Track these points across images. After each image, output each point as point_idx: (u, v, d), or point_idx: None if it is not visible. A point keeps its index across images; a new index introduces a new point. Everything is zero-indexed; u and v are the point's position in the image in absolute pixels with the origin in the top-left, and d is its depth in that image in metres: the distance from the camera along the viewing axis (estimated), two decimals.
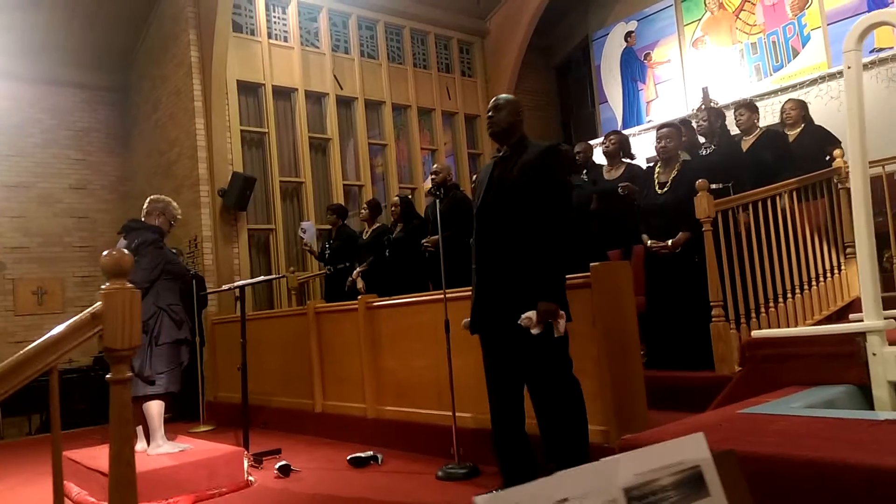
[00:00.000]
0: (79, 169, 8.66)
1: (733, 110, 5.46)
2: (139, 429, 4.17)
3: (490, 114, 3.18)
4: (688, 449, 0.95)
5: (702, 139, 5.34)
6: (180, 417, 6.45)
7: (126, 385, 1.51)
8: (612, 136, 5.52)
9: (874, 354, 1.89)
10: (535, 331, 2.76)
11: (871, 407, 1.93)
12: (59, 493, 1.45)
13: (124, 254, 1.54)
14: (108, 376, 1.52)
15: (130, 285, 1.54)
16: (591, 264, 3.38)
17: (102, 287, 1.53)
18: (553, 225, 2.87)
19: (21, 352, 1.49)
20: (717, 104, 8.33)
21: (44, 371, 1.44)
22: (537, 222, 2.87)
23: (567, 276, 3.39)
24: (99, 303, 1.50)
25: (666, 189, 4.38)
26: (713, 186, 4.25)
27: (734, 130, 5.45)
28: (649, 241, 4.39)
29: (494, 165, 3.15)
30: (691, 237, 4.18)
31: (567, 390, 2.87)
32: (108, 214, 8.71)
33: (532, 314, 2.76)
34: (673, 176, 4.38)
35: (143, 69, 8.67)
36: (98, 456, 3.95)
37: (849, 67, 1.93)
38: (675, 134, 4.49)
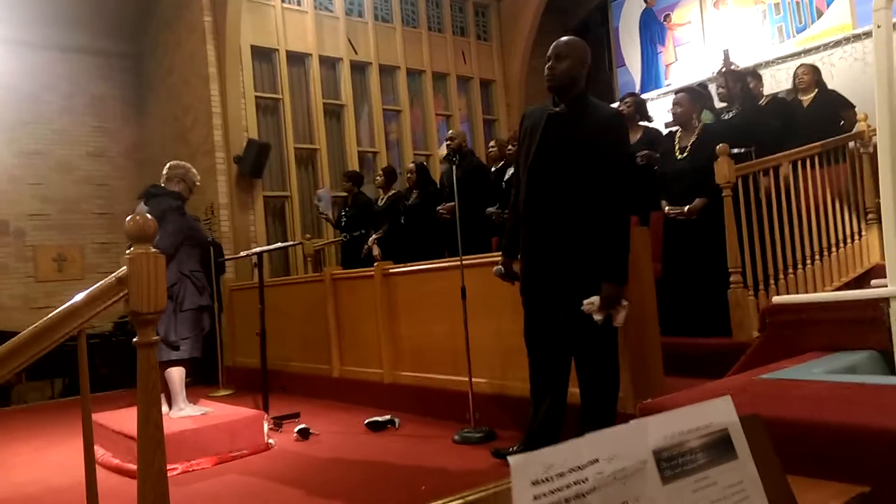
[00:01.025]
0: (96, 136, 8.69)
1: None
2: (162, 393, 4.25)
3: (549, 63, 2.80)
4: (715, 412, 0.95)
5: (722, 104, 5.26)
6: (200, 382, 6.55)
7: (152, 348, 1.54)
8: (627, 99, 5.44)
9: None
10: (598, 317, 2.63)
11: (892, 372, 1.92)
12: (90, 455, 1.48)
13: (148, 219, 1.55)
14: (134, 340, 1.54)
15: (155, 250, 1.55)
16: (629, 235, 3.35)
17: (127, 252, 1.54)
18: (621, 201, 2.70)
19: (48, 316, 1.52)
20: (737, 67, 8.20)
21: (72, 335, 1.46)
22: (604, 197, 2.67)
23: None
24: (124, 267, 1.51)
25: (685, 154, 4.33)
26: (734, 151, 4.20)
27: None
28: (667, 208, 4.36)
29: (549, 120, 2.82)
30: (708, 203, 4.13)
31: (612, 371, 2.85)
32: (125, 181, 8.76)
33: (595, 299, 2.62)
34: (693, 141, 4.32)
35: (156, 35, 8.62)
36: (122, 419, 4.04)
37: (878, 27, 1.87)
38: (686, 99, 4.41)
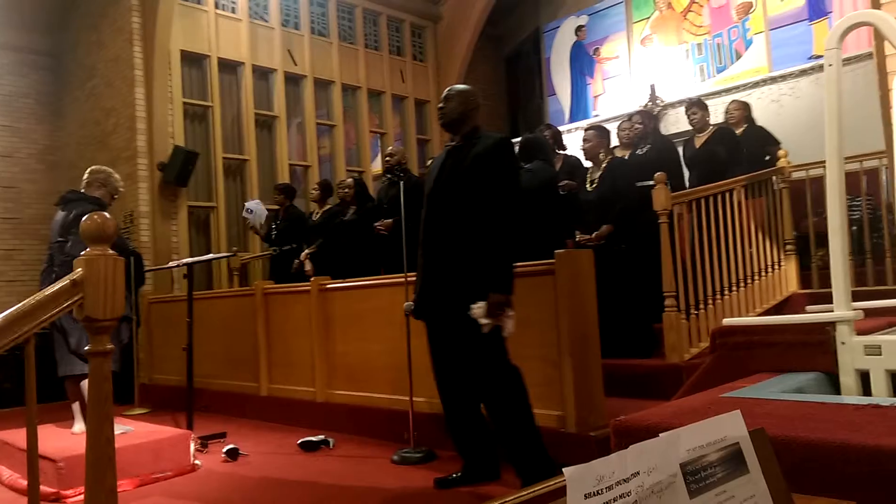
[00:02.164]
0: (5, 136, 8.12)
1: (685, 108, 5.63)
2: (75, 407, 3.98)
3: (441, 105, 3.20)
4: (727, 426, 0.95)
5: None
6: (114, 399, 6.17)
7: (107, 358, 1.42)
8: (544, 130, 5.63)
9: (843, 343, 1.98)
10: (484, 321, 2.77)
11: (837, 393, 2.02)
12: (34, 472, 1.35)
13: (106, 218, 1.44)
14: (86, 348, 1.42)
15: (112, 252, 1.44)
16: (556, 251, 3.41)
17: (83, 253, 1.42)
18: (504, 216, 2.90)
19: None
20: (662, 102, 8.59)
21: (20, 341, 1.33)
22: (488, 213, 2.89)
23: (528, 263, 3.44)
24: (80, 269, 1.39)
25: (594, 186, 4.65)
26: (640, 184, 4.59)
27: (673, 129, 5.68)
28: (578, 236, 4.59)
29: (448, 154, 3.16)
30: (613, 230, 4.42)
31: (506, 377, 2.92)
32: (35, 185, 8.22)
33: (483, 304, 2.78)
34: (599, 174, 4.65)
35: (79, 33, 8.19)
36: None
37: (830, 65, 1.99)
38: (594, 135, 4.78)
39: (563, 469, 0.66)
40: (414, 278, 3.87)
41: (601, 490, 0.69)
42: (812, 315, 2.09)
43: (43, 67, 8.45)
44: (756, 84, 7.66)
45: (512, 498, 0.73)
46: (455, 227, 2.96)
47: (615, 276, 4.32)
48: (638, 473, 0.75)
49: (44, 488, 3.30)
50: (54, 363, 3.96)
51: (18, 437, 3.82)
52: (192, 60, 7.68)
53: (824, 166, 5.00)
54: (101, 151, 7.60)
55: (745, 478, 0.93)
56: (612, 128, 5.62)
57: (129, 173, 7.12)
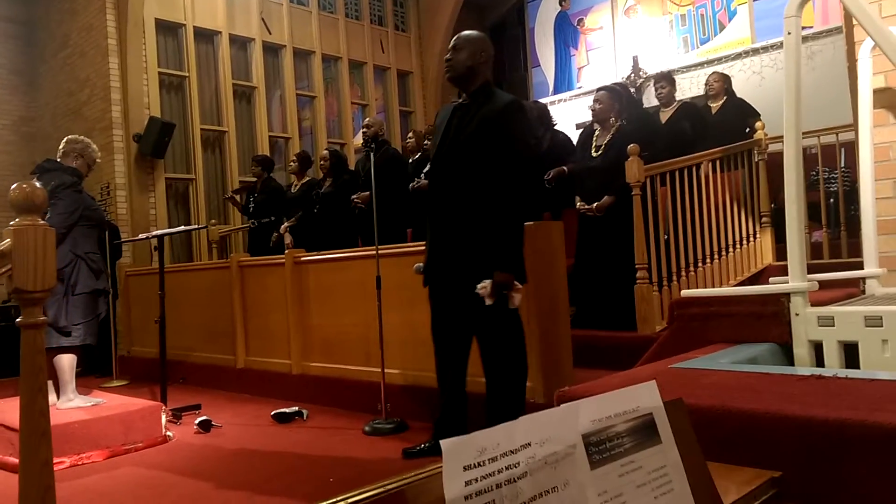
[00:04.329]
0: None
1: (653, 82, 5.58)
2: (49, 382, 3.95)
3: (448, 55, 2.88)
4: (641, 397, 0.95)
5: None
6: (92, 372, 6.16)
7: (39, 330, 1.39)
8: (531, 105, 5.53)
9: (797, 314, 1.98)
10: (488, 301, 2.66)
11: (791, 364, 2.03)
12: None
13: (36, 187, 1.40)
14: (17, 320, 1.39)
15: (43, 222, 1.41)
16: (525, 223, 3.38)
17: (11, 223, 1.39)
18: (512, 189, 2.71)
19: None
20: (645, 73, 8.53)
21: None
22: (495, 183, 2.71)
23: None
24: (8, 240, 1.36)
25: (600, 152, 4.43)
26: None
27: (655, 101, 5.59)
28: (578, 204, 4.46)
29: (454, 112, 2.92)
30: (615, 201, 4.25)
31: (518, 356, 2.86)
32: (9, 156, 8.09)
33: (488, 283, 2.65)
34: (608, 139, 4.42)
35: (51, 1, 8.00)
36: (3, 409, 3.72)
37: (789, 33, 1.96)
38: (606, 97, 4.48)
39: (440, 441, 0.65)
40: (385, 251, 3.88)
41: (483, 461, 0.68)
42: (766, 287, 2.09)
43: (15, 36, 8.26)
44: (738, 56, 7.61)
45: (412, 476, 0.72)
46: (460, 196, 2.77)
47: (604, 248, 4.28)
48: (529, 445, 0.74)
49: (10, 459, 3.29)
50: None
51: None
52: (168, 29, 7.54)
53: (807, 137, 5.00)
54: (75, 122, 7.47)
55: (656, 448, 0.93)
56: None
57: (105, 144, 7.01)
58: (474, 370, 3.00)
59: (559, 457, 0.78)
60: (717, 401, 1.36)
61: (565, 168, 4.85)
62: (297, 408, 4.20)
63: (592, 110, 4.53)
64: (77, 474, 3.27)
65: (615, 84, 5.21)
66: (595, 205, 4.31)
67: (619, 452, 0.88)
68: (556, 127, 5.44)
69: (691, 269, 4.37)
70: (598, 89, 4.63)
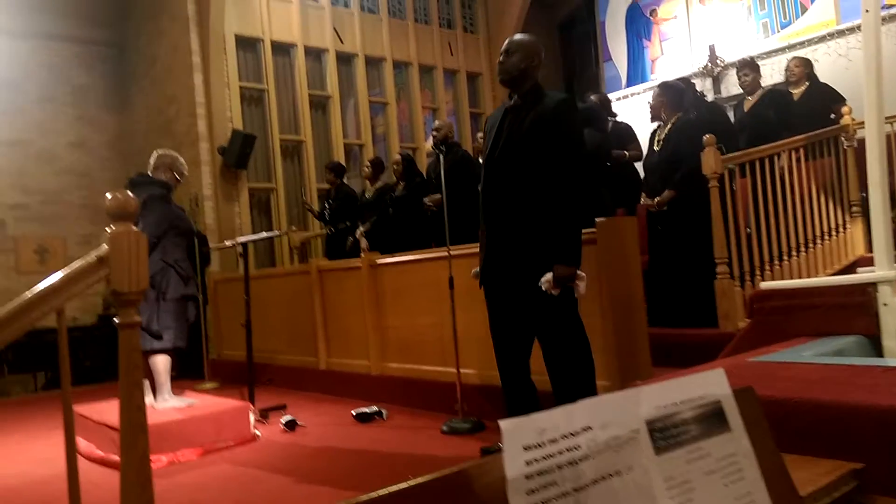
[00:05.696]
0: (77, 126, 8.56)
1: (736, 70, 5.40)
2: (146, 382, 4.20)
3: (501, 58, 2.94)
4: (708, 384, 0.94)
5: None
6: (185, 375, 6.49)
7: (134, 329, 1.50)
8: (591, 96, 5.49)
9: (885, 304, 1.89)
10: (554, 292, 2.67)
11: (880, 356, 1.93)
12: (70, 435, 1.45)
13: (128, 196, 1.51)
14: (115, 320, 1.51)
15: (136, 229, 1.52)
16: (597, 220, 3.35)
17: (108, 229, 1.50)
18: (568, 184, 2.73)
19: (27, 293, 1.48)
20: (723, 62, 8.24)
21: (50, 313, 1.43)
22: (551, 180, 2.74)
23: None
24: (104, 246, 1.48)
25: (660, 146, 4.42)
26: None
27: (735, 90, 5.42)
28: (643, 199, 4.44)
29: (505, 114, 2.97)
30: (676, 195, 4.18)
31: (580, 348, 2.84)
32: (107, 172, 8.64)
33: (549, 276, 2.67)
34: (664, 134, 4.40)
35: (140, 24, 8.50)
36: (105, 410, 3.98)
37: (867, 11, 1.87)
38: (657, 93, 4.55)
39: (499, 421, 0.67)
40: (457, 252, 3.92)
41: (543, 442, 0.69)
42: (850, 276, 1.99)
43: (108, 58, 8.82)
44: (823, 38, 7.24)
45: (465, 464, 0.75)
46: (515, 194, 2.81)
47: (681, 243, 4.20)
48: (590, 428, 0.75)
49: (111, 456, 3.52)
50: None
51: (93, 410, 4.08)
52: (247, 44, 7.86)
53: (891, 123, 4.72)
54: (165, 138, 7.90)
55: (726, 436, 0.92)
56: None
57: (192, 158, 7.37)
58: (541, 368, 2.98)
59: (622, 441, 0.78)
60: (796, 392, 1.32)
61: (626, 152, 4.84)
62: (376, 407, 4.30)
63: (649, 106, 4.53)
64: (175, 471, 3.46)
65: (675, 80, 5.11)
66: (656, 199, 4.27)
67: (686, 439, 0.88)
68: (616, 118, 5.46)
69: (776, 262, 4.21)
70: (657, 86, 4.62)
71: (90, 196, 8.50)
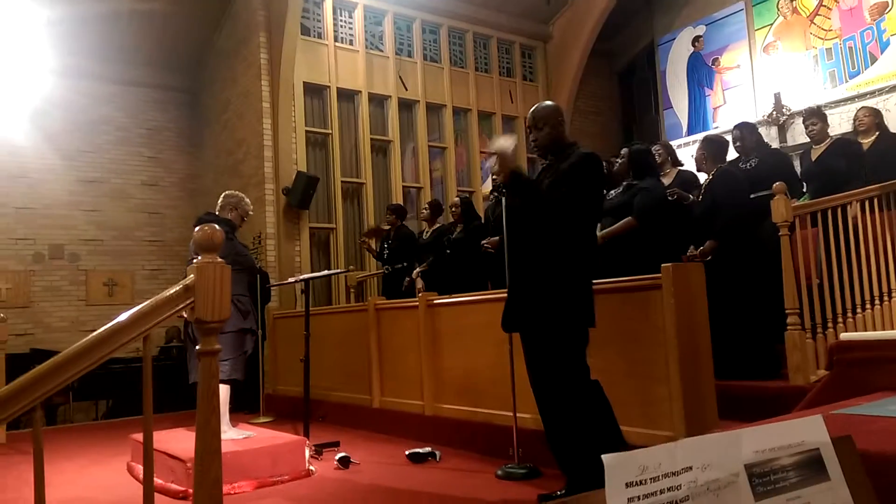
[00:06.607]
0: (150, 166, 8.99)
1: (803, 119, 5.32)
2: None
3: (532, 136, 3.19)
4: (807, 431, 0.91)
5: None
6: (241, 408, 6.57)
7: (215, 356, 1.55)
8: (657, 147, 5.48)
9: None
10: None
11: None
12: (148, 456, 1.49)
13: (216, 228, 1.58)
14: (197, 348, 1.55)
15: (220, 260, 1.57)
16: (663, 265, 3.30)
17: (194, 260, 1.57)
18: (566, 200, 2.88)
19: (115, 320, 1.54)
20: (788, 111, 8.12)
21: (138, 338, 1.48)
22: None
23: (634, 277, 3.38)
24: (191, 275, 1.54)
25: (701, 199, 4.48)
26: (755, 195, 4.39)
27: (801, 139, 5.33)
28: (689, 250, 4.41)
29: (542, 172, 3.19)
30: (718, 245, 4.17)
31: (577, 395, 2.87)
32: (177, 210, 9.00)
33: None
34: (705, 185, 4.47)
35: (214, 71, 8.93)
36: (164, 439, 4.05)
37: None
38: (700, 147, 4.62)
39: (602, 456, 0.66)
40: None
41: (644, 480, 0.68)
42: None
43: (182, 103, 9.28)
44: (893, 88, 7.07)
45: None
46: (526, 240, 3.03)
47: (731, 293, 4.11)
48: (690, 469, 0.73)
49: (174, 486, 3.58)
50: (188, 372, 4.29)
51: (155, 439, 4.15)
52: (314, 91, 8.15)
53: None
54: (233, 178, 8.20)
55: (825, 485, 0.88)
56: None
57: (258, 198, 7.63)
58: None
59: (721, 484, 0.76)
60: (886, 446, 1.26)
61: (690, 196, 4.79)
62: (430, 448, 4.26)
63: (695, 159, 4.60)
64: (230, 502, 3.48)
65: (719, 134, 5.16)
66: (699, 250, 4.25)
67: (785, 486, 0.85)
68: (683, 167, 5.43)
69: (849, 314, 4.05)
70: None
71: (159, 233, 8.86)
